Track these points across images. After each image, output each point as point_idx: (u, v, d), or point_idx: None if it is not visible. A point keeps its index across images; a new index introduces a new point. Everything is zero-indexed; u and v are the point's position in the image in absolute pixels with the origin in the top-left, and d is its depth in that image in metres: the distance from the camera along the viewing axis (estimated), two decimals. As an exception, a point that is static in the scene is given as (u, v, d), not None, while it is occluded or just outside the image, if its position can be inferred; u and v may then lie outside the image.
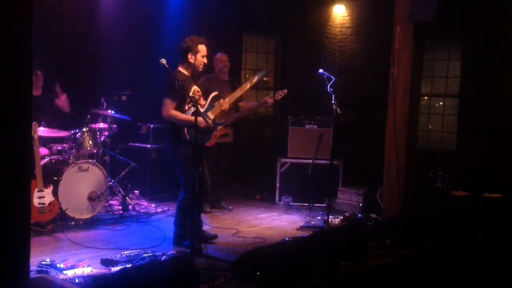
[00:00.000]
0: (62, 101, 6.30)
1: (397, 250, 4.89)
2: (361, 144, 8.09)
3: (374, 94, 7.98)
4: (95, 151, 6.25)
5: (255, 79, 6.02)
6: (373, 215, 6.66)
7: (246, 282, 4.10)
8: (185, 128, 5.04)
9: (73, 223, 5.81)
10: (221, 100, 5.42)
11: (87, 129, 6.12)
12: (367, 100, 8.35)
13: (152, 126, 7.30)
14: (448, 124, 8.16)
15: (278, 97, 6.76)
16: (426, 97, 8.35)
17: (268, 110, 9.62)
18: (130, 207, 6.50)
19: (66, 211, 5.74)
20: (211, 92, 5.45)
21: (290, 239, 5.52)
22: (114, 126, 6.54)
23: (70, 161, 5.97)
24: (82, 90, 7.00)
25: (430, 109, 8.41)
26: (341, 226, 6.29)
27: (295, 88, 9.16)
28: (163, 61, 4.80)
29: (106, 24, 7.21)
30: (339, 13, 9.21)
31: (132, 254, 4.70)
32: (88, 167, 5.98)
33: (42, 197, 5.52)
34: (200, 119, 4.91)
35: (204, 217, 5.84)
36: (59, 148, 6.16)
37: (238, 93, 5.90)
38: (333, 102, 6.03)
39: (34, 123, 5.43)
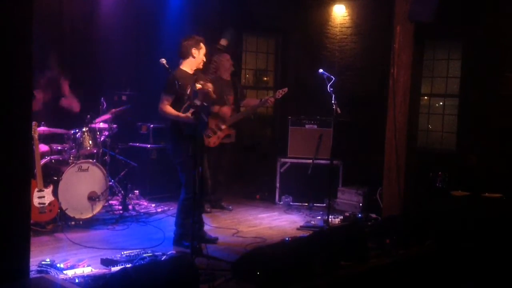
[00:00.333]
0: (70, 100, 6.36)
1: (397, 250, 4.89)
2: (361, 144, 8.09)
3: (374, 94, 7.99)
4: (95, 151, 6.25)
5: (222, 41, 6.44)
6: (373, 215, 6.66)
7: (246, 282, 4.10)
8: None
9: (73, 223, 5.81)
10: (200, 82, 5.32)
11: (87, 129, 6.12)
12: (367, 100, 8.35)
13: (152, 126, 7.30)
14: (448, 124, 8.16)
15: (278, 96, 6.80)
16: (426, 97, 8.34)
17: (268, 110, 9.62)
18: (130, 207, 6.50)
19: (66, 211, 5.74)
20: (221, 93, 5.46)
21: (290, 239, 5.52)
22: (114, 126, 6.54)
23: (70, 161, 5.97)
24: (82, 90, 7.00)
25: (430, 109, 8.41)
26: (341, 226, 6.29)
27: (295, 88, 9.15)
28: (163, 61, 4.81)
29: (106, 24, 7.21)
30: (339, 13, 9.21)
31: (132, 254, 4.70)
32: (88, 167, 5.98)
33: (42, 197, 5.52)
34: (187, 115, 4.93)
35: (204, 217, 5.84)
36: (59, 148, 6.16)
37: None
38: (333, 102, 6.03)
39: (34, 123, 5.44)
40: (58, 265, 4.36)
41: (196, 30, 7.18)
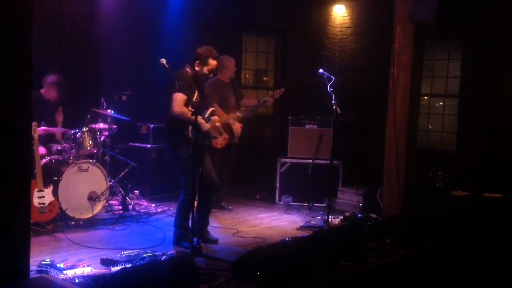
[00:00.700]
0: (59, 122, 6.45)
1: (397, 250, 4.89)
2: (361, 144, 8.09)
3: (374, 94, 7.99)
4: (95, 151, 6.25)
5: (242, 114, 6.68)
6: (373, 215, 6.66)
7: (246, 282, 4.10)
8: (190, 127, 5.02)
9: (73, 223, 5.81)
10: (216, 117, 5.62)
11: (87, 129, 6.13)
12: (367, 100, 8.35)
13: (152, 126, 7.30)
14: (448, 124, 8.16)
15: (276, 96, 6.87)
16: (426, 97, 8.35)
17: (268, 110, 9.63)
18: (130, 207, 6.50)
19: (66, 211, 5.74)
20: (222, 96, 5.47)
21: (290, 239, 5.52)
22: (114, 126, 6.54)
23: (70, 161, 5.97)
24: (82, 90, 7.00)
25: (430, 109, 8.41)
26: (341, 226, 6.29)
27: (295, 88, 9.17)
28: (163, 61, 4.80)
29: (106, 24, 7.21)
30: (339, 13, 9.21)
31: (132, 254, 4.70)
32: (88, 167, 5.98)
33: (42, 197, 5.52)
34: (202, 121, 5.10)
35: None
36: (59, 148, 6.17)
37: (226, 119, 6.49)
38: (333, 102, 6.03)
39: (34, 123, 5.44)
40: (58, 265, 4.36)
41: (196, 30, 7.21)
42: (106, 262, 4.54)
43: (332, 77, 6.10)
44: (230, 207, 7.07)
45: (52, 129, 6.17)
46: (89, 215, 5.95)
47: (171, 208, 6.66)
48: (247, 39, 9.24)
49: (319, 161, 7.24)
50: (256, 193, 7.88)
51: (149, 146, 7.24)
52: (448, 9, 6.37)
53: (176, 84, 4.89)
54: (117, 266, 4.41)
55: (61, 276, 4.15)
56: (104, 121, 6.48)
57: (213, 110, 5.60)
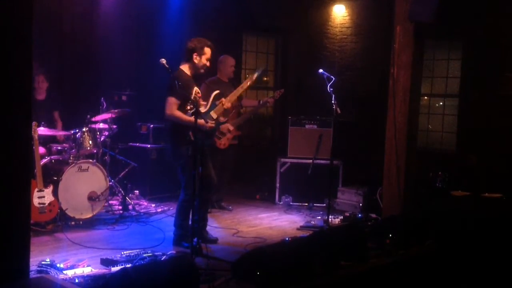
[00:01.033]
0: (58, 128, 6.44)
1: (397, 250, 4.89)
2: (361, 144, 8.09)
3: (374, 94, 7.99)
4: (95, 151, 6.25)
5: (255, 76, 5.97)
6: (373, 215, 6.66)
7: (246, 282, 4.10)
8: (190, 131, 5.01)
9: (73, 223, 5.81)
10: (223, 99, 5.41)
11: (87, 129, 6.13)
12: (367, 100, 8.35)
13: (152, 126, 7.30)
14: (448, 124, 8.16)
15: (277, 96, 6.92)
16: (426, 97, 8.35)
17: (268, 110, 9.63)
18: (130, 207, 6.50)
19: (66, 211, 5.74)
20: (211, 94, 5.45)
21: (290, 239, 5.52)
22: (114, 126, 6.54)
23: (70, 161, 5.97)
24: (82, 90, 7.00)
25: (430, 109, 8.41)
26: (341, 226, 6.29)
27: (295, 88, 9.17)
28: (163, 61, 4.80)
29: (106, 24, 7.21)
30: (339, 13, 9.21)
31: (132, 254, 4.70)
32: (88, 167, 5.98)
33: (42, 197, 5.52)
34: (201, 121, 4.96)
35: (205, 217, 5.84)
36: (59, 148, 6.17)
37: (238, 91, 5.91)
38: (333, 102, 6.02)
39: (34, 123, 5.44)
40: (58, 265, 4.36)
41: (196, 30, 7.19)
42: (106, 262, 4.54)
43: (332, 77, 6.10)
44: (230, 207, 7.07)
45: (54, 131, 6.17)
46: (89, 215, 5.95)
47: (171, 208, 6.66)
48: (247, 39, 9.24)
49: (319, 161, 7.24)
50: (256, 193, 7.88)
51: (149, 146, 7.24)
52: (448, 9, 6.38)
53: (176, 84, 4.88)
54: (117, 266, 4.41)
55: (61, 276, 4.15)
56: (104, 121, 6.48)
57: (217, 93, 5.41)
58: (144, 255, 4.70)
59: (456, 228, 5.25)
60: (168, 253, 4.91)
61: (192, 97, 5.03)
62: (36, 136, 5.55)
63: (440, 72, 8.24)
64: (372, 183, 7.11)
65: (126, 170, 6.88)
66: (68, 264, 4.42)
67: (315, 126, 7.60)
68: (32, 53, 3.38)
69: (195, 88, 5.20)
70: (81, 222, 5.86)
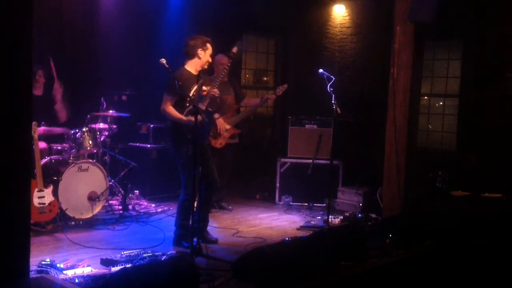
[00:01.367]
0: (59, 108, 6.31)
1: (397, 250, 4.89)
2: (361, 144, 8.09)
3: (374, 94, 7.99)
4: (95, 151, 6.25)
5: (234, 49, 5.64)
6: (373, 215, 6.66)
7: (246, 282, 4.10)
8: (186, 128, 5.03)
9: (73, 223, 5.81)
10: (205, 87, 5.23)
11: (87, 129, 6.12)
12: (367, 100, 8.35)
13: (152, 126, 7.30)
14: (448, 124, 8.16)
15: (279, 92, 6.75)
16: (426, 97, 8.35)
17: (268, 110, 9.63)
18: (130, 207, 6.50)
19: (66, 211, 5.74)
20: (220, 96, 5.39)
21: (290, 239, 5.52)
22: (114, 126, 6.54)
23: (70, 161, 5.97)
24: (82, 90, 7.00)
25: (430, 109, 8.41)
26: (341, 226, 6.29)
27: (295, 88, 9.15)
28: (163, 61, 4.80)
29: (106, 24, 7.21)
30: (339, 13, 9.21)
31: (132, 254, 4.69)
32: (88, 167, 5.98)
33: (42, 197, 5.52)
34: (190, 118, 4.88)
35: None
36: (59, 148, 6.17)
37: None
38: (333, 102, 6.02)
39: (34, 123, 5.44)
40: (58, 265, 4.36)
41: (196, 30, 7.18)
42: (106, 262, 4.54)
43: (332, 77, 6.10)
44: (230, 207, 7.07)
45: (54, 128, 6.16)
46: (89, 215, 5.95)
47: (171, 208, 6.66)
48: (247, 39, 9.24)
49: (319, 161, 7.24)
50: (256, 193, 7.87)
51: (149, 146, 7.24)
52: (448, 9, 6.37)
53: (176, 84, 4.89)
54: (117, 266, 4.41)
55: (61, 276, 4.15)
56: (104, 121, 6.48)
57: (201, 82, 5.21)
58: (144, 255, 4.70)
59: (456, 228, 5.25)
60: (168, 253, 4.91)
61: (191, 95, 5.03)
62: (36, 136, 5.55)
63: (440, 72, 8.24)
64: (372, 183, 7.11)
65: (126, 170, 6.88)
66: (68, 264, 4.42)
67: (315, 126, 7.60)
68: (32, 52, 3.38)
69: (195, 87, 5.19)
70: (81, 222, 5.86)
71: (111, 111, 6.48)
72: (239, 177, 8.07)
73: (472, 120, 7.55)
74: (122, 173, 6.84)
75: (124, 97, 7.38)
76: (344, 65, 9.09)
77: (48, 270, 4.26)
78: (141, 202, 6.97)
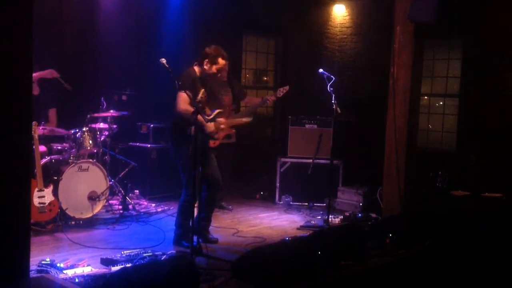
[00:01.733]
0: (51, 115, 6.36)
1: (397, 250, 4.89)
2: (361, 144, 8.09)
3: (374, 94, 7.98)
4: (95, 150, 6.26)
5: (249, 120, 6.33)
6: (373, 215, 6.66)
7: (246, 282, 4.10)
8: (193, 127, 5.01)
9: (73, 222, 5.81)
10: (222, 119, 5.54)
11: (87, 128, 6.13)
12: (367, 100, 8.35)
13: (152, 125, 7.30)
14: (448, 124, 8.16)
15: (279, 94, 6.67)
16: (426, 97, 8.34)
17: (268, 110, 9.63)
18: (130, 206, 6.51)
19: (66, 211, 5.75)
20: (214, 93, 5.47)
21: (290, 238, 5.52)
22: (114, 126, 6.54)
23: (70, 160, 5.97)
24: (82, 90, 7.00)
25: (430, 109, 8.41)
26: (341, 226, 6.29)
27: (295, 88, 9.15)
28: (163, 61, 4.80)
29: (106, 24, 7.21)
30: (339, 13, 9.21)
31: (132, 254, 4.70)
32: (88, 166, 5.98)
33: (42, 196, 5.52)
34: (210, 124, 5.18)
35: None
36: (59, 147, 6.17)
37: (236, 121, 6.17)
38: (333, 102, 6.03)
39: (34, 123, 5.44)
40: (58, 264, 4.36)
41: (196, 30, 7.20)
42: (106, 262, 4.54)
43: (332, 77, 6.10)
44: (230, 207, 7.07)
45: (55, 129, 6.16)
46: (89, 215, 5.95)
47: (171, 208, 6.66)
48: (247, 39, 9.24)
49: (319, 161, 7.25)
50: (256, 193, 7.88)
51: (149, 145, 7.24)
52: (448, 9, 6.38)
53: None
54: (117, 265, 4.42)
55: (61, 275, 4.16)
56: (104, 121, 6.48)
57: (219, 112, 5.55)
58: (144, 254, 4.70)
59: (456, 228, 5.25)
60: (168, 252, 4.91)
61: (199, 98, 5.05)
62: (36, 136, 5.55)
63: (440, 72, 8.24)
64: (372, 183, 7.11)
65: (126, 169, 6.88)
66: (68, 263, 4.42)
67: (315, 126, 7.60)
68: (33, 52, 3.38)
69: (202, 90, 5.21)
70: (81, 222, 5.86)
71: (111, 111, 6.48)
72: (239, 177, 8.07)
73: (472, 120, 7.55)
74: (122, 173, 6.84)
75: (124, 97, 7.37)
76: (344, 65, 9.09)
77: (48, 269, 4.26)
78: (141, 202, 6.97)
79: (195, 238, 4.79)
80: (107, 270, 4.39)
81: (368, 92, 8.40)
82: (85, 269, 4.32)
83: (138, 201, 6.98)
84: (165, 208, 6.77)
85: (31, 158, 5.26)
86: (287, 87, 6.71)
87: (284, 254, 4.15)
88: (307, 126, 7.63)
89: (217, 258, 4.82)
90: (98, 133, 6.32)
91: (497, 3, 7.16)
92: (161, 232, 5.65)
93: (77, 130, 6.07)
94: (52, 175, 5.83)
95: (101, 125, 6.45)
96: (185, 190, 5.24)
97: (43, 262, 4.39)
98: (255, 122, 8.64)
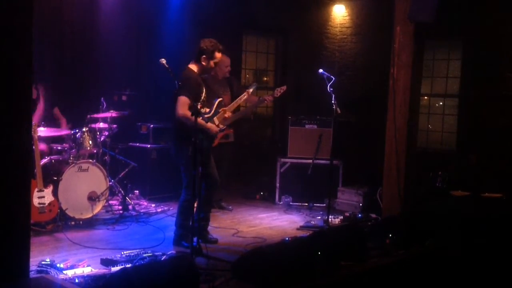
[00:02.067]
0: (63, 125, 6.34)
1: (397, 250, 4.89)
2: (361, 144, 8.09)
3: (374, 94, 7.99)
4: (95, 151, 6.25)
5: (250, 91, 6.21)
6: (373, 215, 6.66)
7: (246, 282, 4.10)
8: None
9: (73, 223, 5.81)
10: (224, 108, 5.51)
11: (87, 129, 6.12)
12: (367, 100, 8.36)
13: (152, 126, 7.29)
14: (448, 124, 8.17)
15: (277, 94, 6.64)
16: (426, 97, 8.35)
17: (268, 110, 9.63)
18: (130, 207, 6.50)
19: (66, 211, 5.74)
20: (213, 92, 5.48)
21: (290, 239, 5.52)
22: (114, 126, 6.54)
23: (70, 161, 5.97)
24: (82, 90, 7.00)
25: (430, 109, 8.42)
26: (341, 226, 6.29)
27: (295, 88, 9.16)
28: (163, 61, 4.80)
29: (106, 24, 7.21)
30: (339, 13, 9.21)
31: (132, 254, 4.70)
32: (88, 167, 5.98)
33: (42, 197, 5.52)
34: (213, 126, 5.21)
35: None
36: (59, 148, 6.17)
37: (237, 102, 6.10)
38: (333, 102, 6.02)
39: (34, 123, 5.44)
40: (58, 265, 4.36)
41: (196, 30, 7.19)
42: (106, 262, 4.54)
43: (332, 77, 6.10)
44: (230, 207, 7.07)
45: (55, 130, 6.15)
46: (89, 215, 5.94)
47: (171, 208, 6.66)
48: (247, 39, 9.24)
49: (319, 161, 7.24)
50: (256, 193, 7.87)
51: (149, 146, 7.24)
52: (448, 9, 6.38)
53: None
54: (117, 266, 4.41)
55: (61, 276, 4.15)
56: (104, 121, 6.48)
57: (220, 101, 5.51)
58: (144, 255, 4.70)
59: (456, 228, 5.25)
60: (168, 253, 4.91)
61: (203, 97, 5.06)
62: (36, 136, 5.55)
63: (440, 72, 8.24)
64: (372, 183, 7.11)
65: (126, 170, 6.88)
66: (68, 264, 4.42)
67: (315, 126, 7.60)
68: (33, 53, 3.38)
69: (204, 90, 5.21)
70: (81, 222, 5.86)
71: (111, 111, 6.48)
72: (239, 177, 8.08)
73: (472, 120, 7.55)
74: (122, 173, 6.84)
75: (124, 97, 7.37)
76: (344, 65, 9.10)
77: (48, 270, 4.26)
78: (141, 202, 6.97)
79: (195, 238, 4.79)
80: (107, 270, 4.39)
81: (368, 92, 8.41)
82: (85, 270, 4.32)
83: (138, 201, 6.98)
84: (165, 208, 6.76)
85: (31, 158, 5.25)
86: (284, 87, 6.70)
87: (284, 254, 4.15)
88: (307, 126, 7.63)
89: (217, 258, 4.82)
90: (98, 133, 6.31)
91: (497, 3, 7.16)
92: (161, 233, 5.65)
93: (77, 130, 6.07)
94: (52, 175, 5.82)
95: (101, 125, 6.44)
96: (186, 190, 5.23)
97: (43, 262, 4.39)
98: (255, 122, 8.68)
